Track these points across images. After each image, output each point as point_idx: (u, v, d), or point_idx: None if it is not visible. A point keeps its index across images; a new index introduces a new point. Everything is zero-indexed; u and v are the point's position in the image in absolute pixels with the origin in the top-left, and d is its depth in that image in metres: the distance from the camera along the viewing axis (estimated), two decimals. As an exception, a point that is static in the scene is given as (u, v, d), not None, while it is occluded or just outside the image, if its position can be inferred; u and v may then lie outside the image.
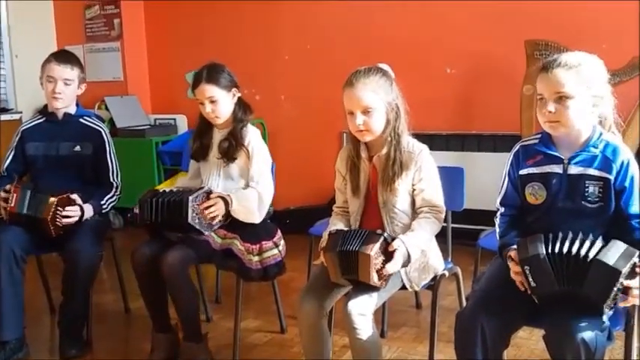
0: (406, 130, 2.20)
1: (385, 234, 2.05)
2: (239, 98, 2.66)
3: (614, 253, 1.68)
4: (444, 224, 2.30)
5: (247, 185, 2.62)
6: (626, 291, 1.69)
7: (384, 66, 2.21)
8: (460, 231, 3.05)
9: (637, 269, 1.70)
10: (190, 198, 2.44)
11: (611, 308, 1.72)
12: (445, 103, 4.27)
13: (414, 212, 2.22)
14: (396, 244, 2.04)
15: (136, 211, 2.53)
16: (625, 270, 1.65)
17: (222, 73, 2.60)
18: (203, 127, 2.72)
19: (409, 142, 2.20)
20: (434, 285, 2.26)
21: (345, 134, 2.21)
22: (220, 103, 2.59)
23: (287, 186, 4.29)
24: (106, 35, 5.45)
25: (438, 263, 2.29)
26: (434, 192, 2.20)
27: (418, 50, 4.27)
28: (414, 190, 2.20)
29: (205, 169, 2.72)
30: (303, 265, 3.26)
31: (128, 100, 5.30)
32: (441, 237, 2.30)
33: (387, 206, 2.19)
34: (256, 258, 2.55)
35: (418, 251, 2.11)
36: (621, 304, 1.71)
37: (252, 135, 2.65)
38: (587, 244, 1.71)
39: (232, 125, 2.65)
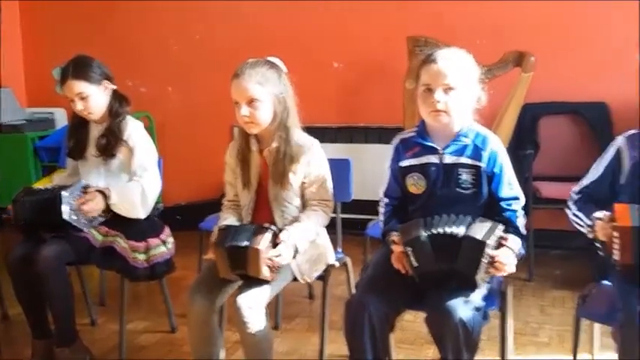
0: (296, 125, 2.21)
1: (273, 227, 2.06)
2: (114, 90, 2.56)
3: (481, 228, 1.81)
4: (334, 215, 2.34)
5: (130, 180, 2.53)
6: (494, 263, 1.82)
7: (275, 59, 2.21)
8: (349, 221, 3.12)
9: (502, 242, 1.84)
10: (64, 194, 2.34)
11: (486, 282, 1.85)
12: (334, 96, 4.34)
13: (304, 205, 2.24)
14: (283, 236, 2.06)
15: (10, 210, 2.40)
16: (490, 242, 1.78)
17: (90, 67, 2.48)
18: (78, 122, 2.59)
19: (299, 136, 2.21)
20: (324, 276, 2.29)
21: (236, 128, 2.19)
22: (91, 98, 2.47)
23: (176, 181, 4.19)
24: (-25, 24, 5.04)
25: (328, 254, 2.32)
26: (324, 185, 2.23)
27: (307, 44, 4.30)
28: (304, 183, 2.22)
29: (84, 168, 2.60)
30: (195, 262, 3.20)
31: (1, 93, 4.92)
32: (330, 228, 2.34)
33: (278, 200, 2.20)
34: (142, 256, 2.48)
35: (305, 242, 2.14)
36: (491, 271, 1.83)
37: (133, 128, 2.55)
38: (459, 223, 1.83)
39: (109, 120, 2.54)
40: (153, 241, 2.52)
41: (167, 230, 2.62)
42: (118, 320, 2.57)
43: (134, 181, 2.50)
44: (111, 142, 2.51)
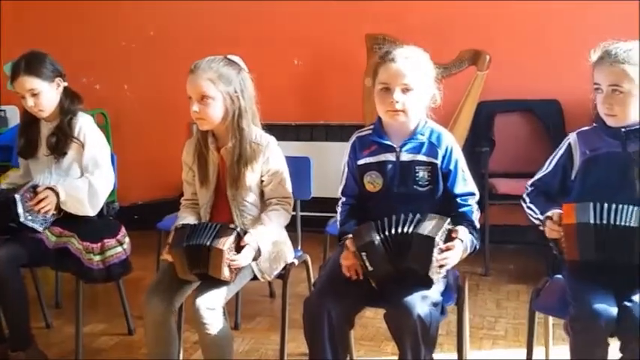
0: (255, 123, 2.20)
1: (238, 228, 2.05)
2: (65, 88, 2.50)
3: (428, 224, 1.84)
4: (293, 213, 2.34)
5: (82, 176, 2.48)
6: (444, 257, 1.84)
7: (235, 58, 2.19)
8: (309, 219, 3.11)
9: (453, 234, 1.87)
10: (18, 197, 2.28)
11: (441, 277, 1.87)
12: (295, 94, 4.34)
13: (263, 204, 2.23)
14: (247, 239, 2.05)
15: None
16: (438, 236, 1.80)
17: (43, 63, 2.43)
18: (28, 121, 2.53)
19: (257, 134, 2.20)
20: (284, 274, 2.29)
21: (194, 125, 2.19)
22: (43, 95, 2.42)
23: (133, 180, 4.12)
24: None
25: (288, 252, 2.32)
26: (282, 183, 2.23)
27: (267, 41, 4.28)
28: (262, 181, 2.21)
29: (36, 168, 2.54)
30: (153, 263, 3.15)
31: (-51, 90, 4.76)
32: (290, 226, 2.33)
33: (237, 199, 2.19)
34: (98, 257, 2.43)
35: (269, 244, 2.14)
36: (442, 263, 1.84)
37: (83, 123, 2.50)
38: (409, 221, 1.85)
39: (60, 118, 2.48)
40: (108, 241, 2.47)
41: (123, 230, 2.57)
42: (74, 323, 2.52)
43: (83, 177, 2.46)
44: (61, 141, 2.46)
